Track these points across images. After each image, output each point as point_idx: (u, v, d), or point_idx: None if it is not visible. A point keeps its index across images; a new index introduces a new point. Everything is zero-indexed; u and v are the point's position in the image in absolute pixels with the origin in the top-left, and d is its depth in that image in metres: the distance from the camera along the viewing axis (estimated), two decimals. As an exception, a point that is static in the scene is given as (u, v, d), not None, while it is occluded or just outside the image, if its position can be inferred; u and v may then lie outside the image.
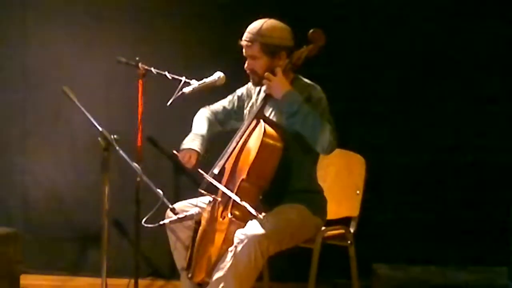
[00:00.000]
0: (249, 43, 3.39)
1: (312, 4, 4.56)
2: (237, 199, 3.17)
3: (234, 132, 3.53)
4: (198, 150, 3.55)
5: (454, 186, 4.61)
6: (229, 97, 3.74)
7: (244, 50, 3.44)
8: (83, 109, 3.23)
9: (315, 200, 3.49)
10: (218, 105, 3.76)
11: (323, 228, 3.55)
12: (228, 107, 3.72)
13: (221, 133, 3.75)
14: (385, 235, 4.56)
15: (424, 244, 4.57)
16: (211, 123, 3.71)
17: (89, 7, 4.75)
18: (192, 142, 3.58)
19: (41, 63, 4.78)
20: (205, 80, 3.70)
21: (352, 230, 3.73)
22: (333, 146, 3.30)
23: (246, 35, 3.43)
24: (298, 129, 3.31)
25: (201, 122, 3.71)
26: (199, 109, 3.81)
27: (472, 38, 4.56)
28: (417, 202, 4.59)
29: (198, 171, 3.38)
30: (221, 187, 3.29)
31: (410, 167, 4.59)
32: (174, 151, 3.57)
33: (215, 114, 3.75)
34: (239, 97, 3.70)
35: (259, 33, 3.38)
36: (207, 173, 3.39)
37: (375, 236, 4.45)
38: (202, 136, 3.62)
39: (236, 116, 3.70)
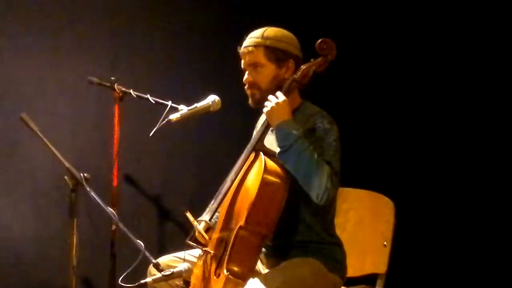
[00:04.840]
0: (252, 48, 3.45)
1: (318, 16, 4.64)
2: None
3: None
4: None
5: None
6: None
7: (243, 61, 3.49)
8: (46, 140, 3.24)
9: (331, 253, 3.46)
10: None
11: (342, 288, 3.57)
12: None
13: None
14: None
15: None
16: None
17: (54, 18, 4.77)
18: None
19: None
20: (196, 105, 3.70)
21: (378, 291, 3.74)
22: (330, 195, 3.25)
23: (247, 41, 3.49)
24: (290, 169, 3.27)
25: None
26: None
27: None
28: (462, 257, 4.61)
29: (185, 216, 3.39)
30: None
31: (452, 213, 4.63)
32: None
33: None
34: None
35: (263, 36, 3.45)
36: (196, 219, 3.40)
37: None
38: None
39: None
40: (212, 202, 3.49)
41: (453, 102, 4.74)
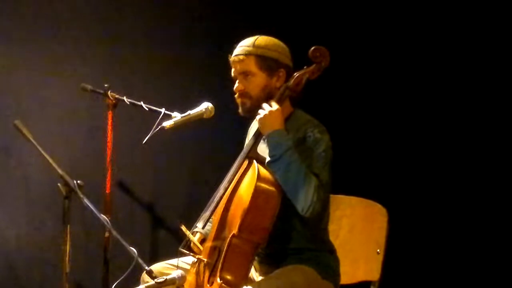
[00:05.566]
0: (243, 57, 3.44)
1: (311, 24, 4.65)
2: None
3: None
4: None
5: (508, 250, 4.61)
6: None
7: (233, 69, 3.48)
8: (39, 147, 3.22)
9: (325, 260, 3.45)
10: None
11: (335, 295, 3.55)
12: None
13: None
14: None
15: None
16: None
17: (47, 25, 4.77)
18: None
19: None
20: (189, 112, 3.70)
21: (371, 298, 3.73)
22: (315, 208, 3.22)
23: (238, 50, 3.48)
24: (279, 179, 3.25)
25: None
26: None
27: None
28: (455, 264, 4.61)
29: (180, 229, 3.38)
30: None
31: (445, 220, 4.63)
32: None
33: None
34: None
35: (254, 45, 3.43)
36: (189, 228, 3.39)
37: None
38: None
39: None
40: (205, 210, 3.47)
41: (445, 109, 4.75)
